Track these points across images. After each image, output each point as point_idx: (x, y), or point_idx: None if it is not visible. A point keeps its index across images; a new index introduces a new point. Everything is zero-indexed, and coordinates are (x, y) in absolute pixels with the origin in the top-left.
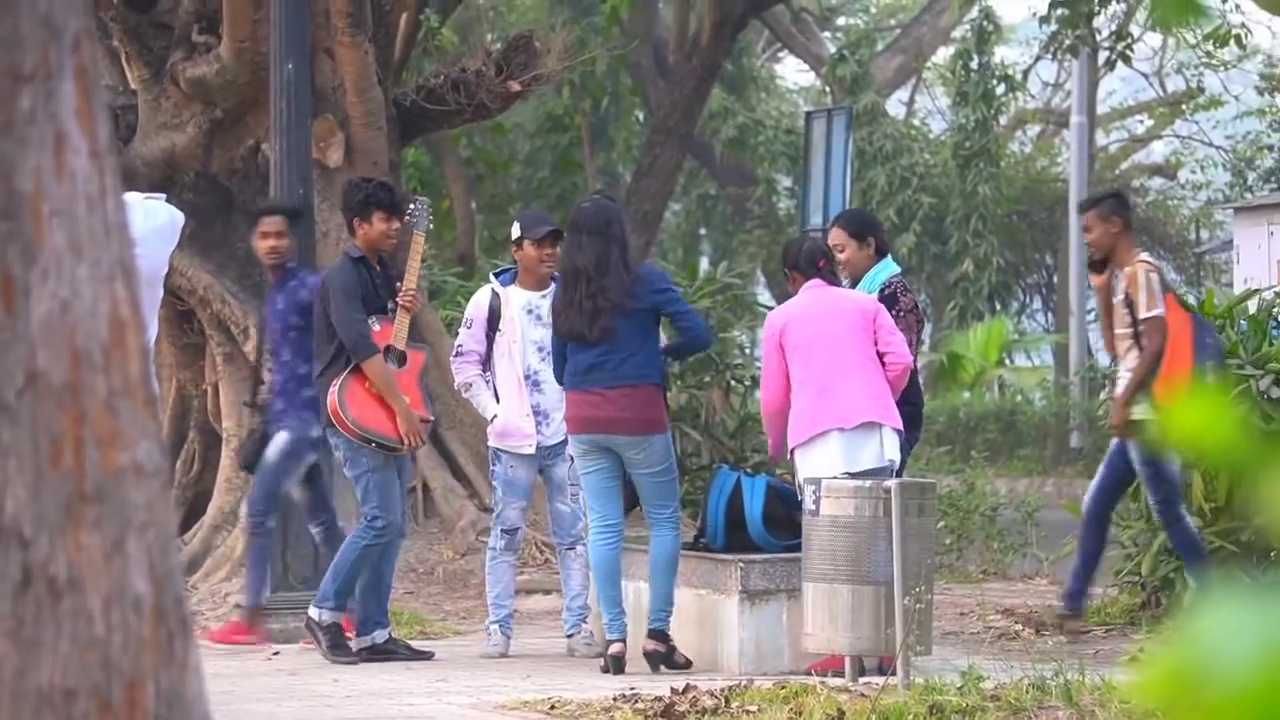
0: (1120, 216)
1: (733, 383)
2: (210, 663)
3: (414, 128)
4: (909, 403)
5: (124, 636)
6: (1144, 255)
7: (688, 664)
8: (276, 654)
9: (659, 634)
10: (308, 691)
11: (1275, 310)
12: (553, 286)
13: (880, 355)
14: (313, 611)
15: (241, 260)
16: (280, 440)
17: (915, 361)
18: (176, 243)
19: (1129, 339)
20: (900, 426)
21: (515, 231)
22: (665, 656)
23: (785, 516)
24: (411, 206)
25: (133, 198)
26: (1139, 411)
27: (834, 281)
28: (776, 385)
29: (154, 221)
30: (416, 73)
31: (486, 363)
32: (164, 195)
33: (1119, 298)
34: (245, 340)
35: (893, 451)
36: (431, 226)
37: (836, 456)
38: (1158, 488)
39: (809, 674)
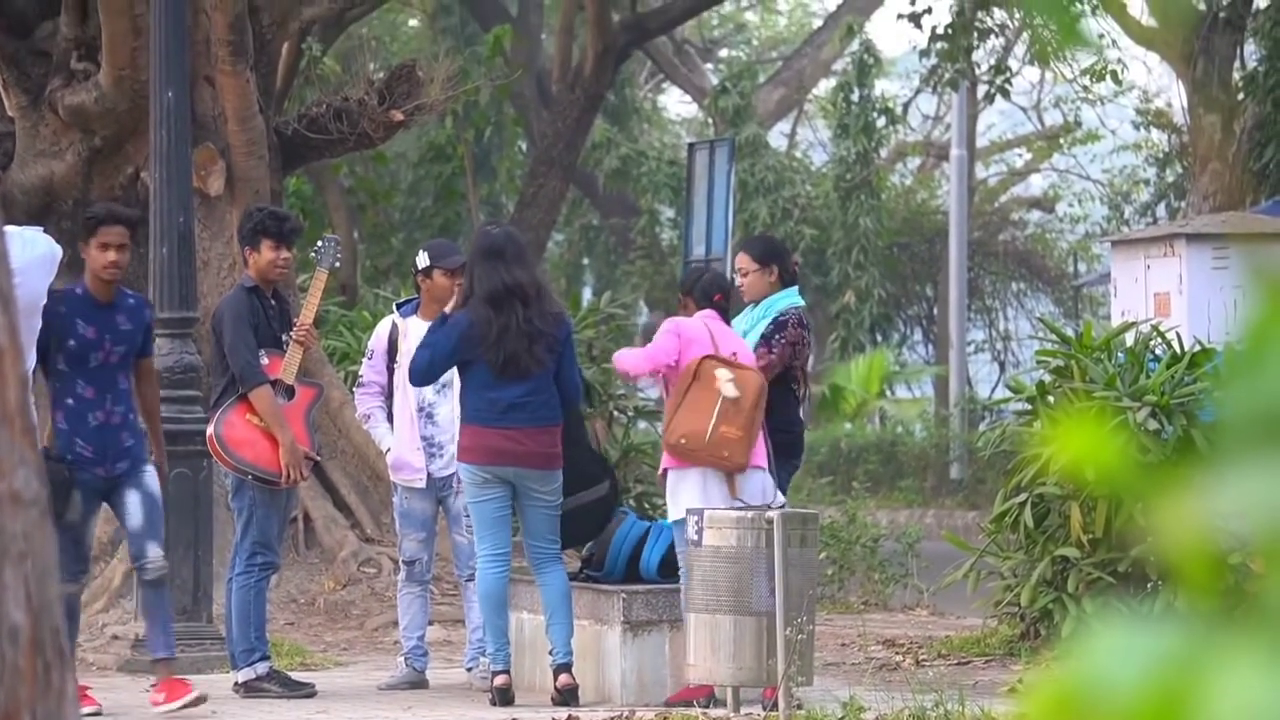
0: None
1: (615, 413)
2: None
3: (296, 156)
4: (788, 430)
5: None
6: None
7: None
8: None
9: (571, 668)
10: None
11: (1152, 343)
12: None
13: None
14: (241, 676)
15: None
16: (154, 475)
17: (803, 389)
18: (55, 275)
19: None
20: (763, 464)
21: (423, 260)
22: (576, 690)
23: None
24: (319, 243)
25: (10, 229)
26: None
27: (725, 318)
28: (660, 361)
29: (33, 252)
30: (298, 101)
31: (390, 395)
32: (42, 227)
33: None
34: None
35: (770, 493)
36: (338, 264)
37: (715, 494)
38: None
39: (674, 704)
